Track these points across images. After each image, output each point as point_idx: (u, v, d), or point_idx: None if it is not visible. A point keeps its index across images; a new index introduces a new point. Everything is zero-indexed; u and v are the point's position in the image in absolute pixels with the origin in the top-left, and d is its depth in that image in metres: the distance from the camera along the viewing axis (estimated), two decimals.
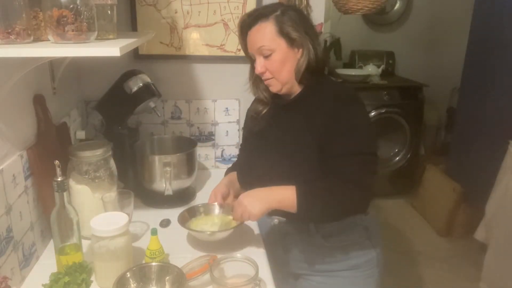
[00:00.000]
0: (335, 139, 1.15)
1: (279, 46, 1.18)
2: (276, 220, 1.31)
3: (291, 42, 1.18)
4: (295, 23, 1.18)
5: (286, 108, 1.28)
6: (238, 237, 1.31)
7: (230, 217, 1.32)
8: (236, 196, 1.36)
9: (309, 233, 1.26)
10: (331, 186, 1.14)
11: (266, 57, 1.19)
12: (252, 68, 1.29)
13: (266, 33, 1.18)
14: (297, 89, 1.26)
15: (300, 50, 1.20)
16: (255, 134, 1.36)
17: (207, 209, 1.38)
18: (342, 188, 1.13)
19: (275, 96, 1.30)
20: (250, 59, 1.29)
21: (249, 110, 1.42)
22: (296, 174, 1.19)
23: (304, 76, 1.22)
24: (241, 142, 1.59)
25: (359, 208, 1.21)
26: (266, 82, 1.25)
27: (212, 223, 1.34)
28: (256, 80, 1.31)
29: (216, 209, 1.37)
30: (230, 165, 1.56)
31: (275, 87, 1.24)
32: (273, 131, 1.30)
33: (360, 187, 1.13)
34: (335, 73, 3.56)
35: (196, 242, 1.32)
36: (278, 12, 1.18)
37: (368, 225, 1.28)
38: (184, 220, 1.32)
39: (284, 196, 1.14)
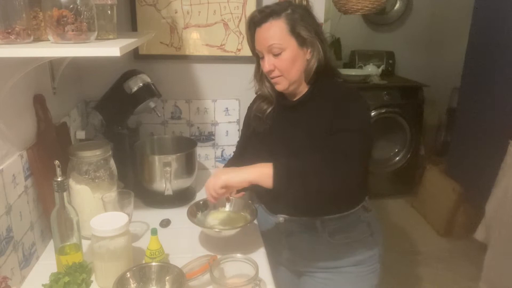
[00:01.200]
0: (333, 123, 1.14)
1: (290, 45, 1.17)
2: (281, 218, 1.31)
3: (302, 41, 1.18)
4: (306, 23, 1.18)
5: (292, 109, 1.28)
6: (238, 237, 1.31)
7: (239, 214, 1.34)
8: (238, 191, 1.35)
9: (315, 231, 1.26)
10: (314, 158, 1.08)
11: (276, 55, 1.18)
12: (258, 64, 1.28)
13: (277, 31, 1.17)
14: (302, 89, 1.26)
15: (309, 50, 1.19)
16: (259, 134, 1.35)
17: (216, 204, 1.36)
18: (326, 159, 1.06)
19: (279, 96, 1.29)
20: (256, 56, 1.27)
21: (251, 109, 1.41)
22: None
23: (312, 76, 1.22)
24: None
25: (345, 180, 1.08)
26: (273, 80, 1.24)
27: (220, 218, 1.33)
28: (262, 77, 1.30)
29: (225, 205, 1.37)
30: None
31: (282, 86, 1.23)
32: (279, 131, 1.30)
33: (347, 158, 1.06)
34: None
35: (196, 241, 1.32)
36: (289, 11, 1.17)
37: (371, 222, 1.30)
38: (192, 214, 1.32)
39: (262, 170, 1.07)
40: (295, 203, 1.25)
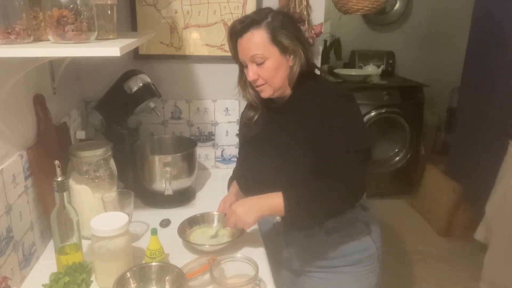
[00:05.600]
0: (326, 137, 1.15)
1: (272, 53, 1.18)
2: (278, 217, 1.32)
3: (284, 49, 1.18)
4: (287, 30, 1.18)
5: (279, 111, 1.28)
6: (238, 238, 1.31)
7: (228, 229, 1.35)
8: None
9: (312, 230, 1.26)
10: (318, 187, 1.15)
11: (259, 64, 1.19)
12: (241, 72, 1.29)
13: (258, 41, 1.17)
14: (289, 92, 1.26)
15: (292, 56, 1.20)
16: (250, 139, 1.37)
17: (207, 219, 1.40)
18: (329, 188, 1.14)
19: (268, 100, 1.30)
20: (239, 63, 1.28)
21: (242, 116, 1.43)
22: (293, 175, 1.20)
23: (296, 79, 1.23)
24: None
25: (347, 205, 1.23)
26: (258, 89, 1.25)
27: (212, 233, 1.35)
28: (245, 85, 1.30)
29: (216, 219, 1.39)
30: (230, 165, 1.57)
31: (267, 93, 1.24)
32: (267, 134, 1.30)
33: (348, 185, 1.14)
34: (335, 73, 3.57)
35: None
36: (269, 19, 1.17)
37: (368, 221, 1.30)
38: (184, 230, 1.33)
39: (274, 203, 1.16)
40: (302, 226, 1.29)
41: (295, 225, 1.28)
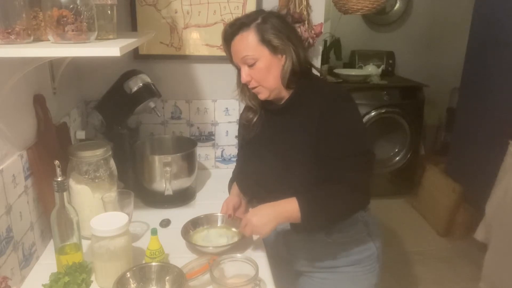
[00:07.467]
0: (329, 140, 1.16)
1: (262, 54, 1.18)
2: None
3: (274, 49, 1.19)
4: (277, 30, 1.18)
5: (278, 113, 1.28)
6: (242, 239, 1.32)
7: (233, 229, 1.35)
8: (247, 207, 1.39)
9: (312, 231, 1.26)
10: (330, 192, 1.15)
11: (251, 66, 1.20)
12: (239, 76, 1.29)
13: (248, 43, 1.18)
14: (286, 93, 1.26)
15: (284, 56, 1.20)
16: (249, 141, 1.37)
17: (210, 220, 1.40)
18: (341, 192, 1.14)
19: (267, 102, 1.30)
20: (236, 68, 1.29)
21: (241, 118, 1.43)
22: (293, 176, 1.20)
23: (291, 80, 1.23)
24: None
25: (359, 208, 1.24)
26: (254, 91, 1.25)
27: (216, 235, 1.35)
28: (244, 88, 1.31)
29: (219, 221, 1.39)
30: (230, 165, 1.57)
31: (263, 95, 1.24)
32: (267, 136, 1.30)
33: (358, 188, 1.15)
34: (335, 73, 3.57)
35: None
36: (259, 20, 1.18)
37: (368, 221, 1.30)
38: (187, 231, 1.33)
39: (289, 211, 1.16)
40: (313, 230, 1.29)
41: (307, 230, 1.26)
